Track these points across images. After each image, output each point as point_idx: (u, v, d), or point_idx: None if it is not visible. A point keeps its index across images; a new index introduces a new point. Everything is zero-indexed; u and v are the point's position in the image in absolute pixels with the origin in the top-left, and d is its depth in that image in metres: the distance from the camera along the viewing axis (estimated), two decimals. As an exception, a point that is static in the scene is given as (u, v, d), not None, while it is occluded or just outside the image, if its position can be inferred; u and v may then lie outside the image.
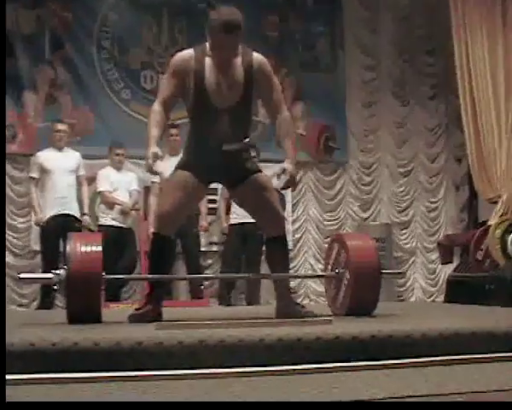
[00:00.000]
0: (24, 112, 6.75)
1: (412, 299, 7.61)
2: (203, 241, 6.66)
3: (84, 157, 6.21)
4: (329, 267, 3.67)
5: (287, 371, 2.26)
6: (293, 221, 7.37)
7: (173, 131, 6.10)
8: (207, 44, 3.27)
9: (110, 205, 6.19)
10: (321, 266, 6.52)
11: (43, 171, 5.92)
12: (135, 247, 6.28)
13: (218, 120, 3.22)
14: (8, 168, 6.71)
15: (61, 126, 6.09)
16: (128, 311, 3.51)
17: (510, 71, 6.43)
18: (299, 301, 5.32)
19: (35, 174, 5.98)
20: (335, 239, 3.74)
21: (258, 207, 3.37)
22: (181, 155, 3.51)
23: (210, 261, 7.01)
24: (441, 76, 7.85)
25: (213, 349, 2.32)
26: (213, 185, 3.70)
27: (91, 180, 6.31)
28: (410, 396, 1.88)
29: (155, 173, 3.45)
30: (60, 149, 6.03)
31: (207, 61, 3.23)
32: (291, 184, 3.37)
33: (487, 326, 2.69)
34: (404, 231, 7.79)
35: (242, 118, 3.29)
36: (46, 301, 5.69)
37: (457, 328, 2.62)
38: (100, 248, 3.13)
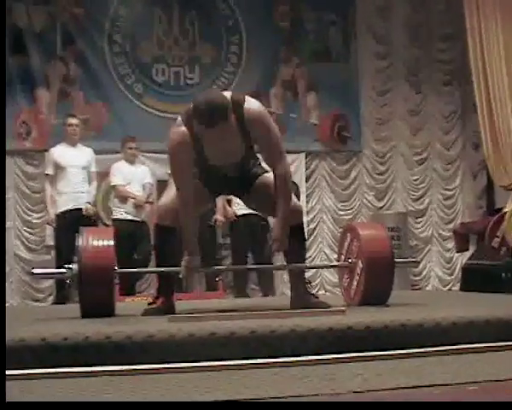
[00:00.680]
0: (37, 108, 6.78)
1: (428, 288, 7.57)
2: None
3: (98, 152, 6.24)
4: (342, 257, 3.65)
5: (299, 362, 2.25)
6: (308, 211, 7.36)
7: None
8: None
9: (124, 198, 6.21)
10: (336, 256, 6.50)
11: (58, 167, 5.98)
12: (149, 240, 6.27)
13: (223, 171, 3.18)
14: (23, 164, 6.78)
15: (73, 120, 6.13)
16: (142, 304, 3.52)
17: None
18: (314, 291, 5.30)
19: (50, 171, 6.04)
20: (348, 229, 3.72)
21: (271, 204, 3.29)
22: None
23: (220, 255, 7.01)
24: (456, 62, 7.77)
25: (225, 341, 2.31)
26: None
27: (105, 175, 6.34)
28: (425, 386, 1.86)
29: None
30: (73, 144, 6.06)
31: (202, 131, 2.93)
32: (279, 248, 3.15)
33: (502, 315, 2.66)
34: (419, 220, 7.74)
35: (248, 161, 3.24)
36: (61, 296, 5.73)
37: (471, 317, 2.59)
38: (112, 243, 3.13)
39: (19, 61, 6.75)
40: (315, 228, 7.44)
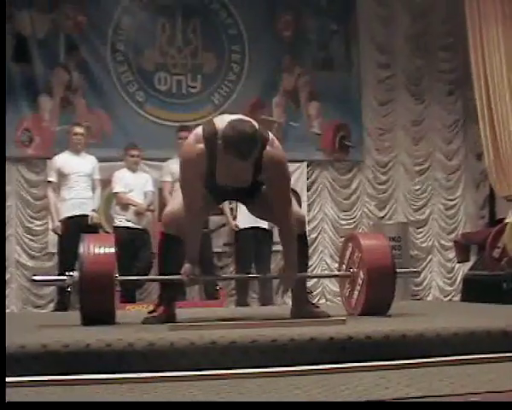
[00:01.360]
0: (39, 116, 6.80)
1: (429, 298, 7.54)
2: (218, 241, 6.69)
3: (100, 160, 6.26)
4: (344, 267, 3.65)
5: (299, 371, 2.25)
6: (309, 221, 7.34)
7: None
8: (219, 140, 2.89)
9: (125, 206, 6.22)
10: (337, 266, 6.50)
11: (61, 175, 6.01)
12: (150, 248, 6.29)
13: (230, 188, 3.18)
14: (25, 171, 6.78)
15: (79, 129, 6.15)
16: (143, 312, 3.52)
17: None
18: (315, 301, 5.30)
19: (53, 178, 6.05)
20: (350, 238, 3.72)
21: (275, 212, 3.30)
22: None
23: (222, 263, 7.00)
24: (458, 71, 7.77)
25: (225, 350, 2.31)
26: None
27: (107, 183, 6.35)
28: (425, 396, 1.86)
29: None
30: (77, 152, 6.09)
31: (217, 154, 2.92)
32: (288, 286, 3.34)
33: (503, 325, 2.65)
34: (420, 230, 7.73)
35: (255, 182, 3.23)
36: (62, 303, 5.73)
37: (472, 327, 2.59)
38: (112, 250, 3.14)
39: (22, 69, 6.76)
40: (316, 237, 7.43)
